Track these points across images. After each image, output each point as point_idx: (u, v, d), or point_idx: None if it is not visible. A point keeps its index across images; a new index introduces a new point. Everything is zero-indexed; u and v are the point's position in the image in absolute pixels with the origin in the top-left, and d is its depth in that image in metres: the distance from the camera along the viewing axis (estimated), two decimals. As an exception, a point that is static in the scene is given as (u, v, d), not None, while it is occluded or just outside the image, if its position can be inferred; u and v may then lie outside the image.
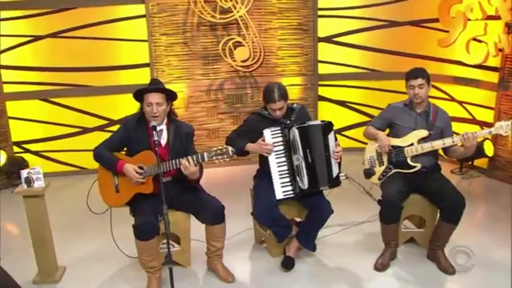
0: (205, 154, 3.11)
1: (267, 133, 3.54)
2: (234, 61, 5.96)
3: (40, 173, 3.38)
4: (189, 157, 3.16)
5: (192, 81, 6.13)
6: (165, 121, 3.42)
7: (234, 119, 6.28)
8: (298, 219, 3.85)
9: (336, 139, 3.59)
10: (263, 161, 3.65)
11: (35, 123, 5.97)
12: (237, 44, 5.92)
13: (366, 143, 3.90)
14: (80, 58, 5.82)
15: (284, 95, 3.55)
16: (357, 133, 6.36)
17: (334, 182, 3.56)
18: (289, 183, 3.54)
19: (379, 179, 3.74)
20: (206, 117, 6.28)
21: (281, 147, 3.54)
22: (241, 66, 6.00)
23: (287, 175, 3.54)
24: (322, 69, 6.50)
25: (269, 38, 6.15)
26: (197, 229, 3.57)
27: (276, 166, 3.54)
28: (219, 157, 3.08)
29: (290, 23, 6.21)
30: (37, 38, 5.71)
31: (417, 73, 3.58)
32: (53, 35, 5.72)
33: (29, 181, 3.38)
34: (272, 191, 3.54)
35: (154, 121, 3.26)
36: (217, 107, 6.28)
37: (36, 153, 6.08)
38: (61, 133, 6.06)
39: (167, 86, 5.88)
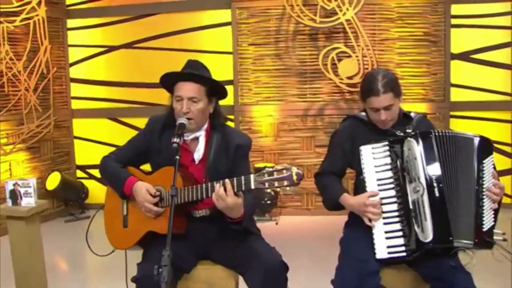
0: (252, 178, 1.93)
1: (366, 151, 2.26)
2: (339, 78, 4.73)
3: (30, 186, 2.40)
4: (227, 181, 1.97)
5: (285, 103, 5.05)
6: (206, 126, 2.28)
7: (336, 154, 4.98)
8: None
9: (495, 169, 2.22)
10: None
11: (102, 145, 5.27)
12: (342, 56, 4.71)
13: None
14: (155, 72, 4.95)
15: (393, 86, 2.26)
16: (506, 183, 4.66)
17: (484, 240, 2.08)
18: (400, 233, 2.15)
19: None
20: (301, 149, 5.12)
21: (389, 174, 2.21)
22: (346, 84, 4.75)
23: (397, 219, 2.16)
24: (456, 95, 5.08)
25: (385, 51, 4.89)
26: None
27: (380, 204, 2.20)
28: (276, 183, 1.90)
29: (413, 33, 4.92)
30: (110, 49, 5.12)
31: None
32: (128, 45, 5.11)
33: (15, 196, 2.39)
34: (369, 246, 2.16)
35: (184, 119, 2.13)
36: (315, 138, 5.09)
37: (101, 180, 5.29)
38: (130, 160, 5.26)
39: (253, 108, 4.83)
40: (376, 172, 2.24)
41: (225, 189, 1.98)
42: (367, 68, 4.70)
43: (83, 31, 5.13)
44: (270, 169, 1.93)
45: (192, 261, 2.22)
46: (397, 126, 2.34)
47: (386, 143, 2.23)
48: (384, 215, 2.18)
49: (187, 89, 2.18)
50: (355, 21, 4.62)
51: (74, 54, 5.16)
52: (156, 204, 2.17)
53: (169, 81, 2.25)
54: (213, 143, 2.28)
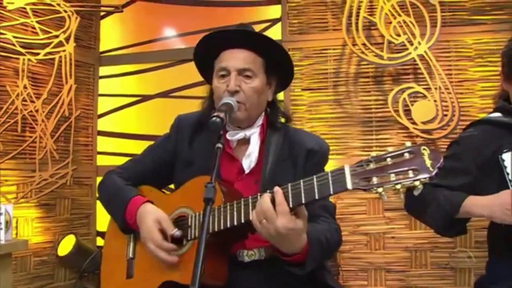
0: (348, 171, 1.18)
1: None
2: (414, 125, 3.97)
3: (1, 213, 1.62)
4: (277, 189, 1.25)
5: (346, 158, 4.25)
6: (261, 121, 1.60)
7: (410, 220, 4.03)
8: None
9: None
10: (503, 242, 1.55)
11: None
12: (413, 101, 4.00)
13: None
14: (193, 125, 4.43)
15: None
16: None
17: None
18: None
19: None
20: (366, 214, 4.21)
21: None
22: (421, 131, 3.96)
23: None
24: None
25: (464, 94, 4.15)
26: None
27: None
28: (393, 177, 1.12)
29: (496, 72, 4.13)
30: (144, 98, 4.56)
31: None
32: (164, 94, 4.56)
33: (-20, 228, 1.61)
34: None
35: (231, 99, 1.50)
36: (383, 200, 4.12)
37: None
38: (160, 228, 4.45)
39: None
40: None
41: (272, 201, 1.19)
42: (446, 115, 3.93)
43: (114, 79, 4.64)
44: (380, 155, 1.13)
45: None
46: None
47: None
48: None
49: (237, 57, 1.50)
50: (429, 57, 3.93)
51: (103, 104, 4.61)
52: (177, 241, 1.39)
53: (208, 56, 1.56)
54: (271, 146, 1.53)
